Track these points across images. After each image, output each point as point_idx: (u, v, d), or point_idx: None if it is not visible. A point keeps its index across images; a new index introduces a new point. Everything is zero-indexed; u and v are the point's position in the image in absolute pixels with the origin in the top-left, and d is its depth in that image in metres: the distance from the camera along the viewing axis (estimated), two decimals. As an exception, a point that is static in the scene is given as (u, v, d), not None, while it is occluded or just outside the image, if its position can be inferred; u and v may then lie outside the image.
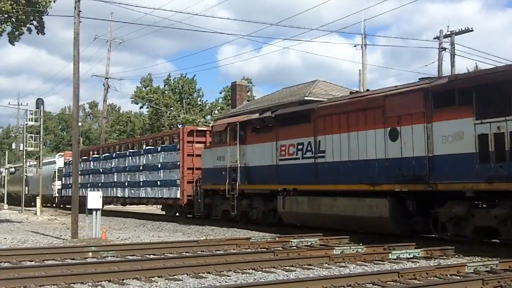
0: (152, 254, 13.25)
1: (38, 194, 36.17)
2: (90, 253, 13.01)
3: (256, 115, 20.77)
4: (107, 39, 47.54)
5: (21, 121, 52.03)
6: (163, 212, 29.11)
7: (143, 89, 60.99)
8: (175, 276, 9.98)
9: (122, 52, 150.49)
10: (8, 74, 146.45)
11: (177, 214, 26.46)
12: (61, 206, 41.74)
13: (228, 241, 15.18)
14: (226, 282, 9.72)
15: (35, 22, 23.57)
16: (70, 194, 34.24)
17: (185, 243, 14.80)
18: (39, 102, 37.22)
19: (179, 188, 24.40)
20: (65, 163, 38.83)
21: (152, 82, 61.35)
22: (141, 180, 27.95)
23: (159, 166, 26.27)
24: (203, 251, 13.76)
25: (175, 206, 25.93)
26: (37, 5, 22.44)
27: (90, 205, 17.09)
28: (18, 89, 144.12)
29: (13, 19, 22.81)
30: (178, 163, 24.58)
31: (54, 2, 22.94)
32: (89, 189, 31.32)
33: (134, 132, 65.71)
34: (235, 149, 20.43)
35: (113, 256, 12.83)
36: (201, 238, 16.80)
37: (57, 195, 40.99)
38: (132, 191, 28.88)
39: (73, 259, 12.49)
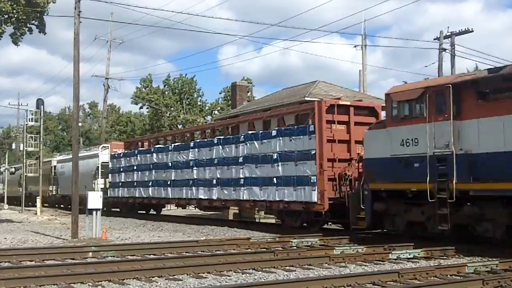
0: (152, 254, 13.25)
1: (72, 194, 28.82)
2: (90, 253, 13.01)
3: (485, 72, 13.58)
4: (107, 40, 47.56)
5: (21, 121, 52.04)
6: (274, 220, 23.16)
7: (143, 89, 61.04)
8: (175, 276, 9.98)
9: (123, 52, 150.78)
10: (9, 74, 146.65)
11: (305, 224, 19.05)
12: (105, 209, 32.97)
13: (228, 241, 15.19)
14: (226, 282, 9.72)
15: (35, 22, 23.60)
16: (121, 195, 29.80)
17: (185, 243, 14.81)
18: (39, 103, 37.25)
19: (315, 187, 17.40)
20: (112, 157, 31.94)
21: (152, 83, 61.46)
22: (243, 176, 20.47)
23: (275, 157, 19.02)
24: (203, 251, 13.77)
25: (306, 213, 18.38)
26: (37, 6, 22.46)
27: (90, 205, 17.08)
28: (19, 89, 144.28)
29: (14, 20, 22.85)
30: (313, 153, 17.56)
31: (54, 2, 22.98)
32: (151, 188, 26.65)
33: (134, 133, 65.75)
34: (443, 126, 13.33)
35: (113, 256, 12.83)
36: (201, 238, 16.81)
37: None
38: (225, 192, 21.36)
39: (73, 259, 12.49)
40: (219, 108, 61.47)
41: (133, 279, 9.76)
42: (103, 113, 50.17)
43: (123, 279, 9.66)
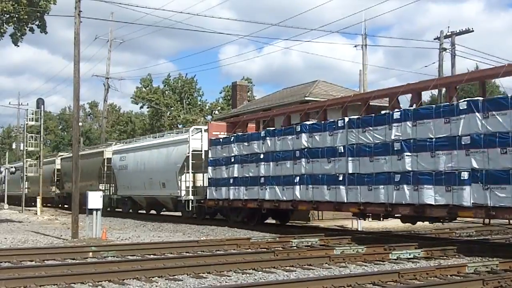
0: (153, 254, 13.26)
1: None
2: (91, 253, 13.01)
3: None
4: (107, 39, 47.56)
5: (21, 121, 52.03)
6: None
7: (143, 89, 61.08)
8: (176, 276, 9.98)
9: (124, 52, 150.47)
10: (10, 74, 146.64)
11: None
12: (206, 217, 24.57)
13: (228, 241, 15.19)
14: (226, 282, 9.71)
15: (37, 22, 23.61)
16: (232, 196, 20.68)
17: (185, 243, 14.81)
18: (40, 102, 37.23)
19: None
20: (211, 142, 22.37)
21: (152, 82, 61.51)
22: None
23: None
24: (204, 251, 13.76)
25: None
26: (39, 6, 22.47)
27: (90, 205, 17.09)
28: (20, 89, 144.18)
29: (15, 20, 22.86)
30: None
31: (55, 4, 22.99)
32: (299, 186, 17.94)
33: (135, 132, 65.76)
34: None
35: (114, 256, 12.83)
36: (202, 238, 16.81)
37: (191, 198, 23.79)
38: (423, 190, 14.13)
39: (73, 259, 12.50)
40: (219, 108, 61.51)
41: (133, 279, 9.76)
42: (103, 113, 50.19)
43: (123, 279, 9.66)
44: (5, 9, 22.02)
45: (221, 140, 22.02)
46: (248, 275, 10.32)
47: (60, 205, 42.84)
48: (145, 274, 10.02)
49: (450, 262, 11.73)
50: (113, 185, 32.19)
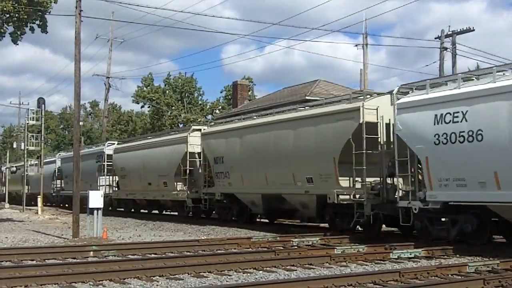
0: (153, 254, 13.26)
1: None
2: (91, 253, 13.02)
3: None
4: (108, 38, 47.57)
5: (22, 120, 52.03)
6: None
7: (144, 88, 61.08)
8: (176, 276, 9.98)
9: (126, 51, 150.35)
10: (12, 73, 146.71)
11: None
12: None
13: (229, 240, 15.19)
14: (227, 281, 9.72)
15: (37, 21, 23.61)
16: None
17: (186, 243, 14.81)
18: (40, 102, 37.28)
19: None
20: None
21: (153, 82, 61.46)
22: None
23: None
24: (204, 251, 13.77)
25: None
26: (39, 5, 22.47)
27: (91, 205, 17.10)
28: (22, 88, 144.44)
29: (15, 19, 22.86)
30: None
31: (56, 3, 23.00)
32: None
33: (135, 132, 65.79)
34: None
35: (114, 256, 12.83)
36: (202, 238, 16.81)
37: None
38: None
39: (74, 258, 12.50)
40: (220, 107, 61.50)
41: (134, 278, 9.76)
42: (104, 112, 50.20)
43: (124, 279, 9.66)
44: (5, 8, 22.02)
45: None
46: (249, 274, 10.32)
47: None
48: (146, 273, 10.02)
49: (451, 262, 11.73)
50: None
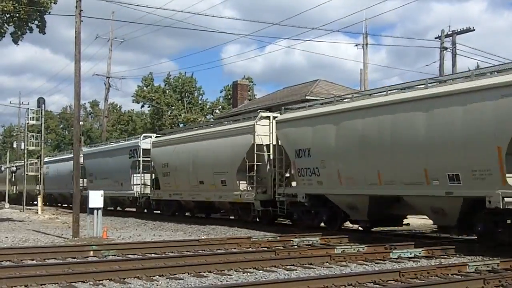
0: (153, 253, 13.26)
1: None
2: (91, 252, 13.01)
3: None
4: (108, 38, 47.56)
5: (22, 120, 52.06)
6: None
7: (144, 88, 61.08)
8: (176, 275, 9.98)
9: (127, 51, 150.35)
10: (13, 73, 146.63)
11: None
12: None
13: (229, 240, 15.19)
14: (227, 281, 9.71)
15: (36, 22, 23.62)
16: None
17: (186, 242, 14.81)
18: (40, 101, 37.28)
19: None
20: None
21: (153, 81, 61.46)
22: None
23: None
24: (204, 250, 13.76)
25: None
26: (39, 5, 22.47)
27: (91, 204, 17.10)
28: (23, 87, 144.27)
29: (16, 19, 22.86)
30: None
31: (55, 3, 22.99)
32: None
33: (136, 132, 65.79)
34: None
35: (114, 255, 12.83)
36: (202, 237, 16.81)
37: None
38: None
39: (74, 258, 12.49)
40: (220, 107, 61.51)
41: (134, 278, 9.76)
42: (104, 112, 50.19)
43: (124, 278, 9.66)
44: (5, 8, 22.02)
45: None
46: (249, 274, 10.31)
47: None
48: (146, 273, 10.02)
49: (451, 261, 11.72)
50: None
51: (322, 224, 18.42)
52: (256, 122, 19.99)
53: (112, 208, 32.47)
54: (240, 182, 20.67)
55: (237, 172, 20.55)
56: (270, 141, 19.82)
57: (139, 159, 27.77)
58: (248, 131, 20.23)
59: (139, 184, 27.84)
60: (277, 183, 19.28)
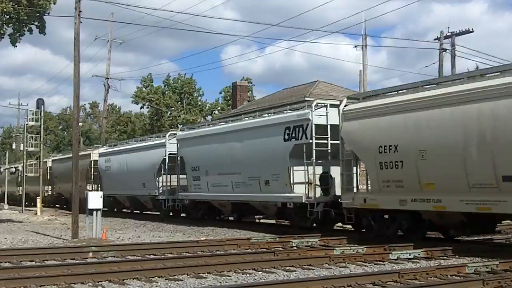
0: (153, 254, 13.26)
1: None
2: (91, 253, 13.02)
3: None
4: (107, 39, 47.53)
5: (21, 121, 52.06)
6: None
7: (144, 89, 61.09)
8: (176, 276, 9.98)
9: (127, 52, 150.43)
10: (13, 74, 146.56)
11: None
12: None
13: (228, 241, 15.18)
14: (226, 282, 9.71)
15: (36, 23, 23.61)
16: None
17: (185, 243, 14.81)
18: (40, 102, 37.32)
19: None
20: None
21: (153, 82, 61.48)
22: None
23: None
24: (204, 251, 13.76)
25: None
26: (39, 6, 22.48)
27: (90, 205, 17.09)
28: (23, 89, 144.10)
29: (15, 20, 22.86)
30: None
31: (54, 4, 23.00)
32: None
33: (135, 133, 65.78)
34: None
35: (114, 256, 12.83)
36: (202, 238, 16.80)
37: None
38: None
39: (73, 259, 12.50)
40: (219, 108, 61.52)
41: (133, 279, 9.76)
42: (103, 113, 50.19)
43: (124, 279, 9.66)
44: (5, 10, 22.02)
45: None
46: (248, 275, 10.32)
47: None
48: (145, 274, 10.02)
49: (450, 262, 11.72)
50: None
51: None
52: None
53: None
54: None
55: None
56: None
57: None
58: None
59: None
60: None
